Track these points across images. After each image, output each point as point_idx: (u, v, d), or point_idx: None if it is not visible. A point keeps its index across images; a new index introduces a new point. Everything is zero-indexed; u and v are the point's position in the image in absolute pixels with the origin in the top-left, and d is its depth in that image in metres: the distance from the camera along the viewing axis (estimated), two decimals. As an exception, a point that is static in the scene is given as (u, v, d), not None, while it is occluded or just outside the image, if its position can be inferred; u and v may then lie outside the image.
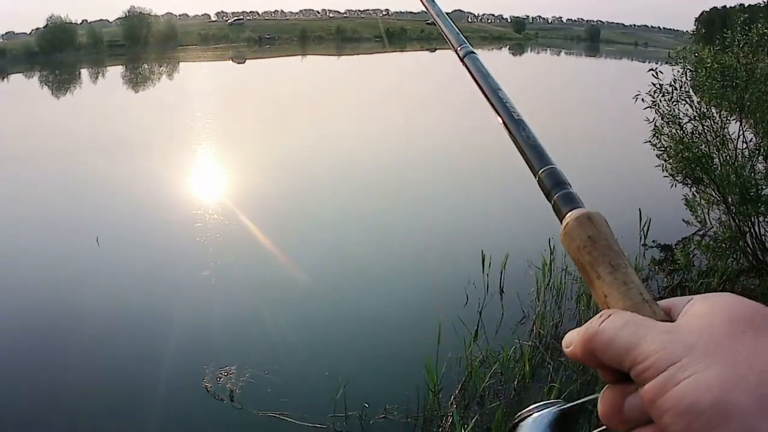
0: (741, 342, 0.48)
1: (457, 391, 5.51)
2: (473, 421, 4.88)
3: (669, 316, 0.55)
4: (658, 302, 0.57)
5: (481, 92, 0.84)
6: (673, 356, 0.48)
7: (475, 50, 0.93)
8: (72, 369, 6.05)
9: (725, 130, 7.72)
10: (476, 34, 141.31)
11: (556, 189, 0.68)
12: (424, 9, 1.13)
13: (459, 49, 0.96)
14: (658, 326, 0.52)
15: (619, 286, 0.58)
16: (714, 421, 0.44)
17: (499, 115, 0.79)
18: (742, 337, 0.48)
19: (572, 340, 0.58)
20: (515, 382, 5.64)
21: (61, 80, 28.47)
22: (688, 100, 7.78)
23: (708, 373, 0.46)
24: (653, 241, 9.09)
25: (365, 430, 5.12)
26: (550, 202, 0.68)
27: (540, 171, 0.71)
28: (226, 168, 14.22)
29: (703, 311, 0.52)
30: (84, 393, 5.67)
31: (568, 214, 0.64)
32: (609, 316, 0.55)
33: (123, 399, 5.59)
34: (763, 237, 7.67)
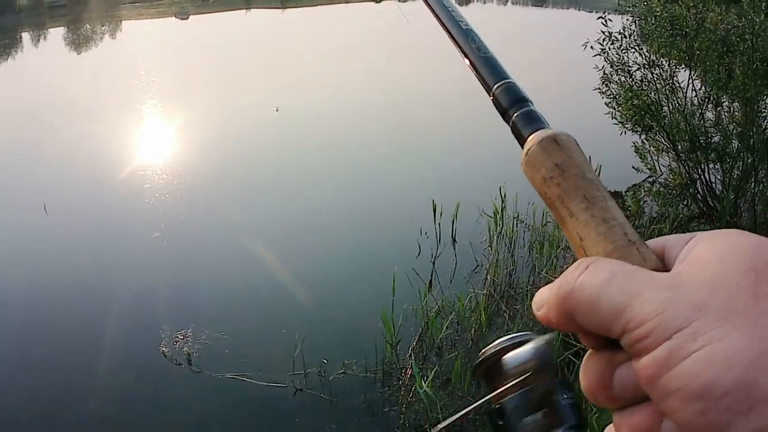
0: None
1: (414, 343, 5.54)
2: (432, 372, 4.90)
3: (662, 262, 0.45)
4: (648, 243, 0.47)
5: (425, 4, 0.72)
6: (679, 320, 0.38)
7: None
8: (23, 336, 5.93)
9: (674, 78, 7.78)
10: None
11: (515, 107, 0.57)
12: None
13: None
14: (655, 279, 0.41)
15: (597, 224, 0.47)
16: (737, 406, 0.35)
17: (445, 26, 0.68)
18: None
19: (544, 300, 0.46)
20: (472, 332, 5.68)
21: (1, 45, 27.51)
22: (637, 48, 7.81)
23: (727, 342, 0.36)
24: (604, 188, 9.14)
25: (325, 387, 5.12)
26: (508, 124, 0.57)
27: (495, 87, 0.59)
28: (174, 128, 13.89)
29: (712, 256, 0.41)
30: (37, 361, 5.57)
31: (530, 137, 0.53)
32: (588, 266, 0.44)
33: (79, 368, 5.50)
34: (712, 184, 7.80)
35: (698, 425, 0.36)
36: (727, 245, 0.41)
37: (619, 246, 0.46)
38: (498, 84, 0.59)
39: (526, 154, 0.53)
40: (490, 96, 0.60)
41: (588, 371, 0.45)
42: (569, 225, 0.49)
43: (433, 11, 0.70)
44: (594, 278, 0.43)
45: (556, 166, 0.51)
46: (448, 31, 0.67)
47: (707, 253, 0.42)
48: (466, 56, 0.64)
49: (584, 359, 0.46)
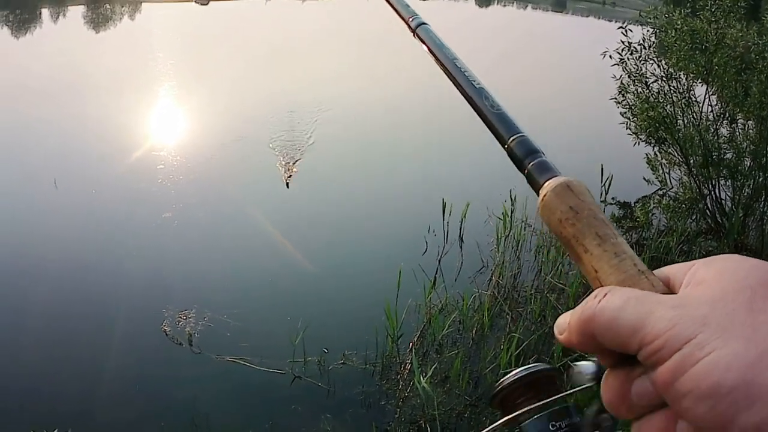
0: (763, 310, 0.43)
1: (415, 339, 5.55)
2: (432, 368, 4.92)
3: (669, 288, 0.51)
4: (654, 272, 0.53)
5: (437, 63, 0.81)
6: (687, 333, 0.44)
7: (426, 21, 0.89)
8: (29, 312, 5.91)
9: (691, 92, 7.76)
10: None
11: (529, 158, 0.64)
12: None
13: (410, 20, 0.92)
14: (664, 300, 0.47)
15: (609, 258, 0.53)
16: (740, 402, 0.40)
17: (459, 85, 0.76)
18: (763, 304, 0.44)
19: (565, 324, 0.53)
20: (474, 331, 5.69)
21: (21, 20, 27.48)
22: (655, 60, 7.80)
23: (728, 349, 0.42)
24: (613, 198, 9.16)
25: (324, 376, 5.14)
26: (523, 173, 0.64)
27: (510, 140, 0.67)
28: (190, 111, 13.92)
29: (711, 278, 0.47)
30: (42, 337, 5.56)
31: (545, 185, 0.60)
32: (605, 294, 0.50)
33: (81, 342, 5.52)
34: (722, 200, 7.78)
35: (709, 420, 0.42)
36: (724, 268, 0.48)
37: (630, 275, 0.52)
38: (512, 137, 0.67)
39: (542, 199, 0.59)
40: (504, 147, 0.67)
41: (608, 386, 0.51)
42: (585, 260, 0.55)
43: (447, 72, 0.78)
44: (612, 303, 0.49)
45: (570, 209, 0.57)
46: (463, 90, 0.75)
47: (707, 276, 0.48)
48: (480, 112, 0.71)
49: (604, 376, 0.52)
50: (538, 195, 0.60)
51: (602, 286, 0.53)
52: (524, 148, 0.65)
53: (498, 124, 0.69)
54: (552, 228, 0.58)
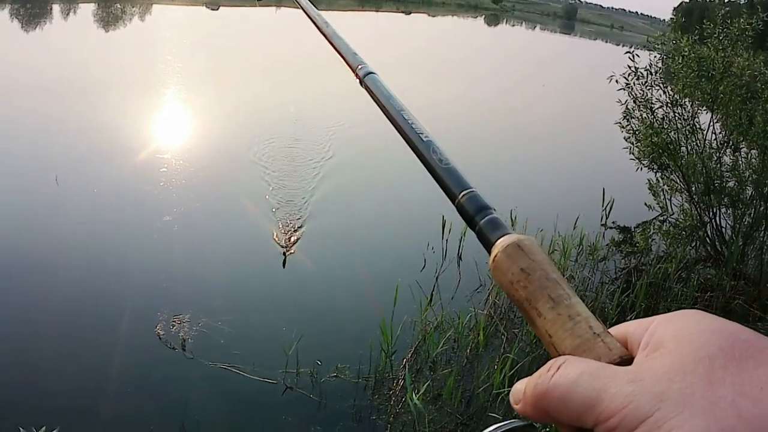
0: (722, 382, 0.41)
1: (410, 355, 5.53)
2: (424, 386, 4.90)
3: (627, 349, 0.49)
4: (611, 330, 0.52)
5: (384, 114, 0.79)
6: (643, 411, 0.41)
7: (374, 71, 0.88)
8: (25, 310, 5.88)
9: (696, 119, 7.77)
10: (453, 0, 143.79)
11: (480, 215, 0.62)
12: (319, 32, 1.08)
13: (358, 69, 0.90)
14: (619, 374, 0.45)
15: (564, 322, 0.51)
16: None
17: (407, 137, 0.74)
18: (722, 374, 0.42)
19: (520, 395, 0.51)
20: (468, 350, 5.68)
21: (31, 14, 27.51)
22: (661, 86, 7.81)
23: (687, 427, 0.39)
24: (613, 222, 9.17)
25: (316, 388, 5.12)
26: (474, 230, 0.62)
27: (460, 196, 0.65)
28: (196, 114, 13.93)
29: (670, 342, 0.46)
30: (35, 336, 5.53)
31: (497, 243, 0.58)
32: (559, 367, 0.48)
33: (72, 343, 5.48)
34: (722, 228, 7.77)
35: None
36: (683, 330, 0.46)
37: (585, 340, 0.50)
38: (462, 193, 0.65)
39: (493, 260, 0.57)
40: (454, 203, 0.65)
41: None
42: (538, 324, 0.53)
43: (394, 123, 0.77)
44: (565, 378, 0.47)
45: (521, 271, 0.55)
46: (411, 143, 0.73)
47: (665, 338, 0.47)
48: (429, 166, 0.69)
49: None
50: (489, 254, 0.58)
51: (557, 352, 0.52)
52: (474, 205, 0.63)
53: (447, 179, 0.67)
54: (504, 289, 0.56)
